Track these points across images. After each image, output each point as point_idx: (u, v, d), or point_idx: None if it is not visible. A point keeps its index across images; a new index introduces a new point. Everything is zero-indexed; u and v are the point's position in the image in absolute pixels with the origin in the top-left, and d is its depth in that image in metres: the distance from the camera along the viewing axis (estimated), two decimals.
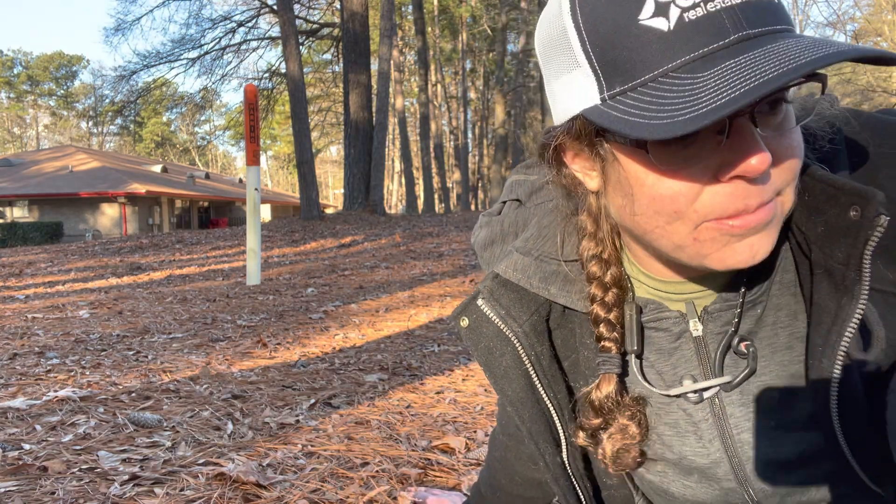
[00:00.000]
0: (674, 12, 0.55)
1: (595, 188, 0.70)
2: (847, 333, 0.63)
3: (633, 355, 0.77)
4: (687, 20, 0.55)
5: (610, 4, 0.58)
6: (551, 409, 0.80)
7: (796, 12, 34.82)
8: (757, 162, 0.56)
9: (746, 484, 0.74)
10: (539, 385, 0.79)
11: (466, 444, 1.89)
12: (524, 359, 0.78)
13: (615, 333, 0.75)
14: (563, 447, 0.82)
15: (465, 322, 0.80)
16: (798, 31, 0.59)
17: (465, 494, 1.52)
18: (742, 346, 0.72)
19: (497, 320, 0.78)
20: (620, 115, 0.57)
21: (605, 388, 0.75)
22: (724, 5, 0.55)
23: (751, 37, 0.55)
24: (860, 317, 0.63)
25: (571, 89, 0.63)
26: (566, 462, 0.83)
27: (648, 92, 0.57)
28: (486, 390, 2.50)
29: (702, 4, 0.55)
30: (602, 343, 0.75)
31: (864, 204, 0.61)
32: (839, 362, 0.64)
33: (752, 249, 0.61)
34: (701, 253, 0.62)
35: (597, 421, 0.77)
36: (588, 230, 0.75)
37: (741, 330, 0.73)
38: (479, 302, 0.79)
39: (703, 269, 0.68)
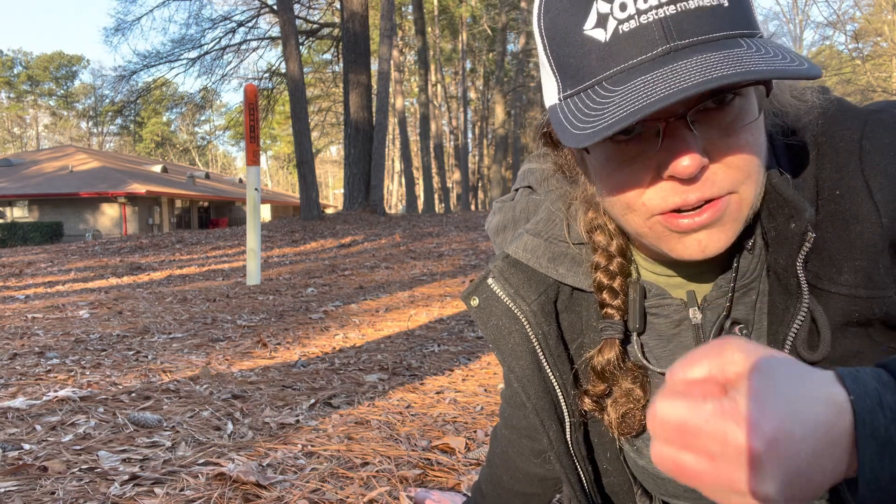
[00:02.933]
0: (611, 24, 0.58)
1: (584, 170, 0.74)
2: (791, 333, 0.68)
3: (635, 333, 0.79)
4: (621, 32, 0.58)
5: (563, 13, 0.62)
6: (556, 387, 0.82)
7: (796, 12, 34.85)
8: (686, 164, 0.58)
9: None
10: (545, 363, 0.81)
11: (466, 444, 1.89)
12: (531, 337, 0.81)
13: (618, 301, 0.77)
14: (567, 426, 0.84)
15: (475, 301, 0.83)
16: (752, 29, 0.59)
17: (465, 494, 1.52)
18: (736, 330, 0.74)
19: (506, 299, 0.81)
20: (561, 117, 0.62)
21: (608, 353, 0.78)
22: (656, 17, 0.57)
23: (679, 48, 0.57)
24: (802, 319, 0.67)
25: (546, 84, 0.68)
26: (569, 442, 0.85)
27: (585, 99, 0.60)
28: (485, 390, 2.50)
29: (635, 17, 0.57)
30: (605, 310, 0.78)
31: (799, 218, 0.65)
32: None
33: (700, 245, 0.64)
34: (657, 243, 0.67)
35: (601, 387, 0.79)
36: (588, 206, 0.78)
37: (737, 315, 0.76)
38: (490, 281, 0.82)
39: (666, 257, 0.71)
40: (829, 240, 0.66)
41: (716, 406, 0.44)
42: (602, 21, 0.59)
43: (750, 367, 0.45)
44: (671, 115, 0.59)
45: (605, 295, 0.77)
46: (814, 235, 0.65)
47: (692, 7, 0.57)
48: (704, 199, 0.61)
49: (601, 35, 0.59)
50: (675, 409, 0.45)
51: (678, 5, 0.57)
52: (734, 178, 0.61)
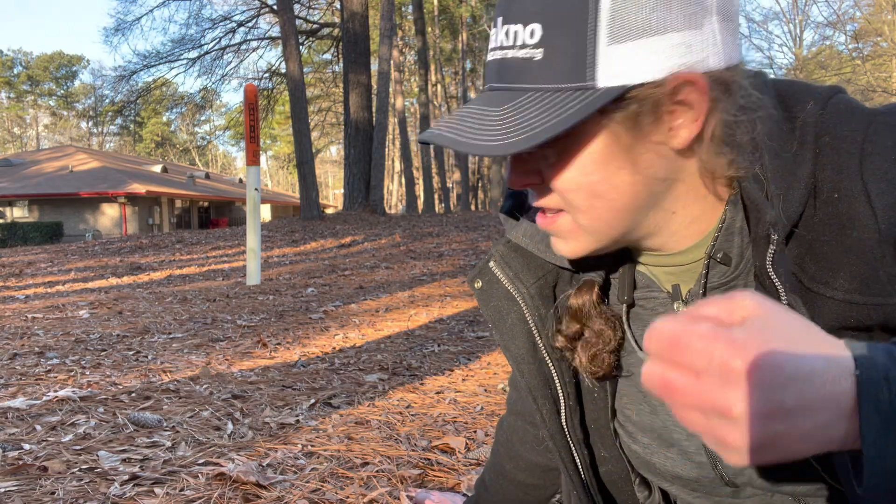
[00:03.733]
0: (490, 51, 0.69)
1: None
2: None
3: (624, 307, 0.81)
4: (487, 61, 0.70)
5: None
6: (552, 368, 0.85)
7: (796, 12, 34.85)
8: (509, 178, 0.71)
9: (716, 461, 0.76)
10: (541, 344, 0.84)
11: (466, 444, 1.89)
12: (528, 318, 0.84)
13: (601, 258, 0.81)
14: (562, 408, 0.86)
15: (478, 284, 0.87)
16: (551, 86, 0.65)
17: (464, 495, 1.52)
18: None
19: (506, 281, 0.85)
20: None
21: (585, 296, 0.81)
22: (493, 58, 0.68)
23: (493, 89, 0.68)
24: None
25: None
26: (564, 423, 0.87)
27: None
28: (485, 390, 2.50)
29: (491, 51, 0.68)
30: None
31: (762, 220, 0.66)
32: None
33: (556, 247, 0.74)
34: None
35: (575, 327, 0.82)
36: None
37: None
38: (491, 264, 0.86)
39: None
40: (826, 243, 0.65)
41: (711, 327, 0.44)
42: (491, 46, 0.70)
43: (758, 309, 0.45)
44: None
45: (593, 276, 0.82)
46: (776, 237, 0.65)
47: (510, 56, 0.65)
48: (540, 205, 0.71)
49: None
50: (670, 324, 0.45)
51: (504, 52, 0.66)
52: (560, 202, 0.69)
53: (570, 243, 0.72)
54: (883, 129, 0.64)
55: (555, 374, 0.85)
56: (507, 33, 0.64)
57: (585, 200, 0.67)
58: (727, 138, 0.67)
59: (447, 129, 0.65)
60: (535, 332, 0.84)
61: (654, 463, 0.82)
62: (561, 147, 0.65)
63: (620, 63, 0.61)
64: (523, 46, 0.63)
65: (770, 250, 0.65)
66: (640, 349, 0.80)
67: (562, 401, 0.86)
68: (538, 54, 0.63)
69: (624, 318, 0.81)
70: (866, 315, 0.63)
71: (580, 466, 0.88)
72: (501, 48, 0.65)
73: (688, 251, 0.73)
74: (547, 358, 0.85)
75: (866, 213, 0.62)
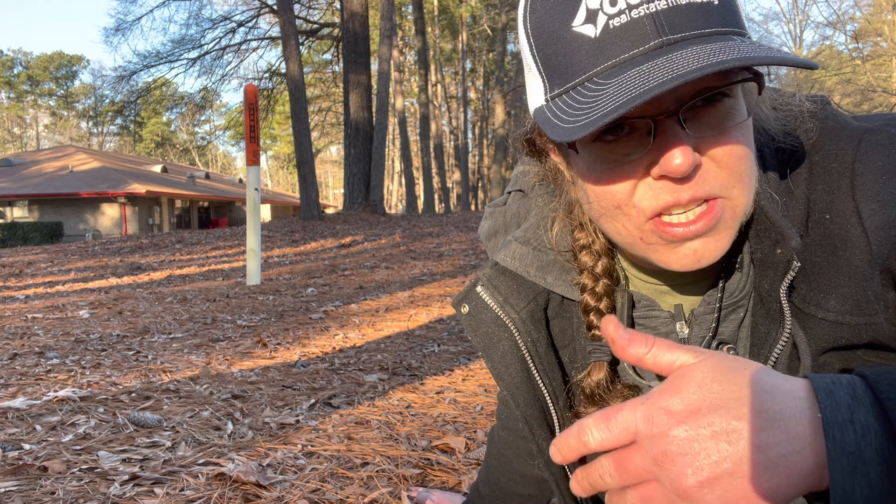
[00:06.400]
0: (601, 19, 0.58)
1: (570, 178, 0.73)
2: (772, 357, 0.67)
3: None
4: (612, 27, 0.57)
5: (551, 11, 0.61)
6: (546, 395, 0.82)
7: (796, 12, 34.83)
8: (679, 161, 0.57)
9: None
10: (535, 371, 0.81)
11: (466, 444, 1.89)
12: (521, 345, 0.80)
13: None
14: (557, 433, 0.83)
15: (465, 309, 0.82)
16: (742, 29, 0.59)
17: (465, 494, 1.52)
18: (724, 350, 0.73)
19: (495, 307, 0.80)
20: (549, 116, 0.60)
21: (596, 376, 0.77)
22: (647, 11, 0.56)
23: (671, 42, 0.56)
24: (783, 345, 0.66)
25: (531, 88, 0.66)
26: None
27: (575, 96, 0.59)
28: (486, 390, 2.50)
29: (626, 11, 0.57)
30: (592, 332, 0.77)
31: (785, 245, 0.64)
32: None
33: (696, 255, 0.63)
34: (649, 254, 0.65)
35: (592, 408, 0.78)
36: (574, 219, 0.77)
37: (724, 333, 0.74)
38: (479, 289, 0.82)
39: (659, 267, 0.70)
40: (818, 264, 0.65)
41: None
42: (591, 17, 0.58)
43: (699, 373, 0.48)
44: (662, 112, 0.58)
45: (592, 317, 0.76)
46: (799, 265, 0.64)
47: (683, 3, 0.56)
48: (697, 199, 0.60)
49: (591, 31, 0.58)
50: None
51: (669, 0, 0.56)
52: (725, 179, 0.60)
53: (723, 235, 0.62)
54: (872, 149, 0.64)
55: (550, 402, 0.82)
56: None
57: (750, 168, 0.62)
58: (755, 124, 0.67)
59: (722, 56, 0.53)
60: (528, 359, 0.80)
61: None
62: (729, 106, 0.60)
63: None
64: None
65: (789, 277, 0.64)
66: (639, 375, 0.78)
67: (557, 428, 0.83)
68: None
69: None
70: (856, 335, 0.63)
71: None
72: None
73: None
74: (542, 385, 0.81)
75: (858, 234, 0.62)
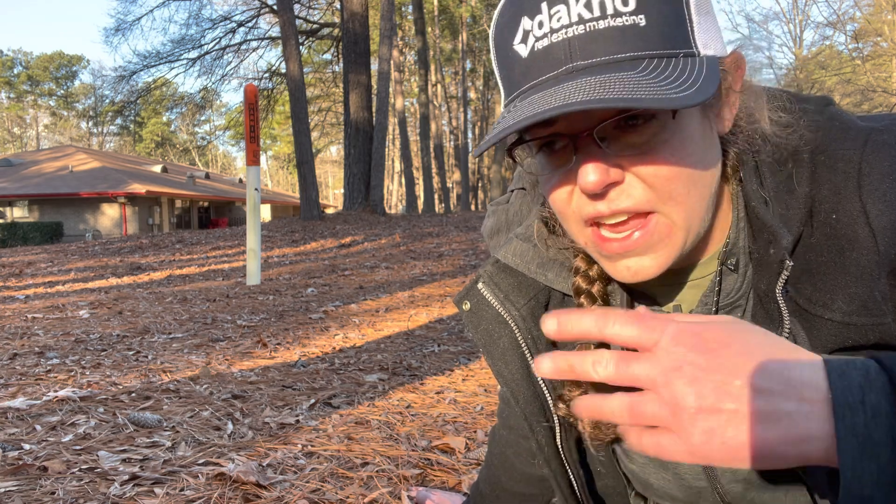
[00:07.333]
0: (530, 41, 0.61)
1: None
2: None
3: None
4: (536, 49, 0.61)
5: (504, 28, 0.64)
6: (546, 392, 0.82)
7: (796, 12, 34.83)
8: (589, 179, 0.59)
9: (716, 482, 0.75)
10: (535, 368, 0.80)
11: (466, 444, 1.89)
12: (521, 342, 0.81)
13: (595, 307, 0.76)
14: (557, 431, 0.84)
15: (466, 306, 0.83)
16: (672, 49, 0.59)
17: (465, 494, 1.52)
18: None
19: (496, 304, 0.81)
20: (494, 126, 0.64)
21: None
22: (564, 37, 0.59)
23: (578, 69, 0.59)
24: None
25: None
26: (559, 446, 0.85)
27: (505, 112, 0.63)
28: (486, 390, 2.50)
29: (549, 35, 0.59)
30: None
31: (777, 245, 0.64)
32: None
33: (630, 271, 0.65)
34: (595, 258, 0.69)
35: (577, 391, 0.78)
36: (554, 220, 0.79)
37: None
38: (480, 286, 0.82)
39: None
40: (824, 264, 0.64)
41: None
42: (524, 37, 0.61)
43: (733, 324, 0.49)
44: (582, 130, 0.60)
45: (582, 299, 0.77)
46: (791, 264, 0.64)
47: (601, 28, 0.58)
48: (619, 212, 0.62)
49: (523, 51, 0.62)
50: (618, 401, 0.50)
51: (587, 25, 0.58)
52: (653, 197, 0.61)
53: (660, 252, 0.64)
54: (879, 148, 0.64)
55: (549, 399, 0.82)
56: (586, 5, 0.58)
57: (685, 187, 0.62)
58: (747, 127, 0.67)
59: (598, 92, 0.54)
60: (528, 355, 0.81)
61: (650, 482, 0.81)
62: (657, 127, 0.60)
63: (705, 34, 0.61)
64: (617, 15, 0.57)
65: (783, 276, 0.65)
66: None
67: (557, 425, 0.83)
68: (641, 20, 0.58)
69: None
70: (863, 336, 0.63)
71: (576, 488, 0.87)
72: (582, 21, 0.58)
73: (701, 265, 0.73)
74: (541, 381, 0.82)
75: (865, 234, 0.62)
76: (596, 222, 0.64)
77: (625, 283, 0.77)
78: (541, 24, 0.60)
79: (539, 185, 0.71)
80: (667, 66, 0.57)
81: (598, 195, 0.61)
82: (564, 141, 0.62)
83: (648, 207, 0.61)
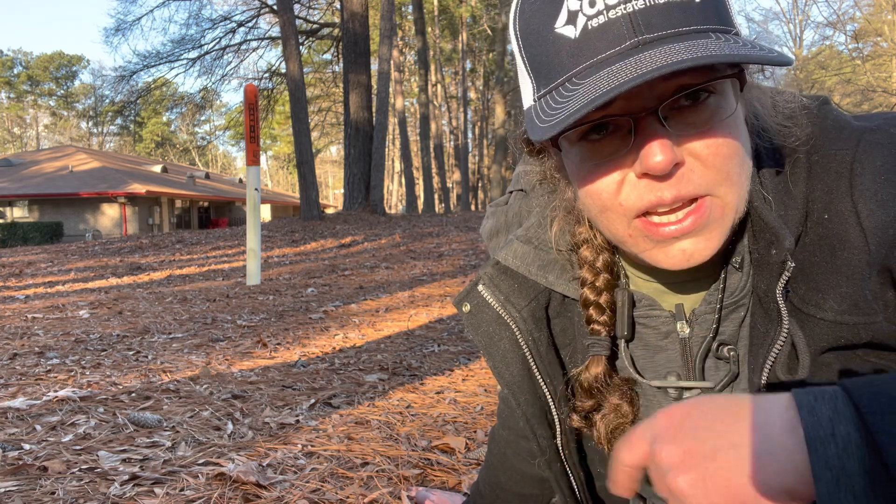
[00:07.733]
0: (580, 20, 0.59)
1: (565, 177, 0.73)
2: (770, 357, 0.68)
3: (623, 341, 0.78)
4: (590, 28, 0.59)
5: (537, 14, 0.62)
6: (547, 393, 0.82)
7: (796, 12, 34.83)
8: (657, 159, 0.58)
9: None
10: (536, 370, 0.81)
11: (466, 444, 1.89)
12: (521, 344, 0.80)
13: (604, 317, 0.76)
14: (558, 432, 0.84)
15: (466, 308, 0.83)
16: (726, 26, 0.59)
17: (465, 494, 1.52)
18: (725, 351, 0.74)
19: (496, 306, 0.81)
20: (533, 116, 0.62)
21: (594, 370, 0.77)
22: (624, 12, 0.57)
23: (646, 41, 0.57)
24: (781, 344, 0.67)
25: (523, 88, 0.68)
26: (560, 447, 0.85)
27: (555, 96, 0.60)
28: (486, 390, 2.50)
29: (604, 12, 0.58)
30: (591, 326, 0.77)
31: (779, 246, 0.64)
32: (764, 379, 0.68)
33: (686, 254, 0.63)
34: (639, 252, 0.66)
35: (589, 403, 0.78)
36: (574, 216, 0.78)
37: (724, 334, 0.74)
38: (480, 287, 0.82)
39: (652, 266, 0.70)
40: (816, 264, 0.65)
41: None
42: (572, 18, 0.59)
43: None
44: (642, 109, 0.59)
45: (591, 311, 0.76)
46: (793, 265, 0.64)
47: (661, 2, 0.57)
48: (681, 198, 0.60)
49: (571, 32, 0.60)
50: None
51: (647, 0, 0.57)
52: (711, 178, 0.61)
53: (714, 234, 0.63)
54: (871, 148, 0.64)
55: (551, 401, 0.82)
56: None
57: (739, 167, 0.62)
58: (754, 124, 0.67)
59: (691, 54, 0.53)
60: (529, 357, 0.80)
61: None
62: (714, 105, 0.60)
63: (735, 15, 0.61)
64: None
65: (784, 277, 0.65)
66: (641, 376, 0.78)
67: (558, 426, 0.83)
68: None
69: (625, 354, 0.78)
70: (855, 334, 0.63)
71: (576, 489, 0.87)
72: None
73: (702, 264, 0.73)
74: (542, 384, 0.81)
75: (856, 234, 0.62)
76: (646, 211, 0.62)
77: (626, 287, 0.77)
78: (592, 3, 0.58)
79: (574, 182, 0.68)
80: (728, 38, 0.57)
81: (662, 178, 0.59)
82: (619, 124, 0.60)
83: (709, 191, 0.61)
